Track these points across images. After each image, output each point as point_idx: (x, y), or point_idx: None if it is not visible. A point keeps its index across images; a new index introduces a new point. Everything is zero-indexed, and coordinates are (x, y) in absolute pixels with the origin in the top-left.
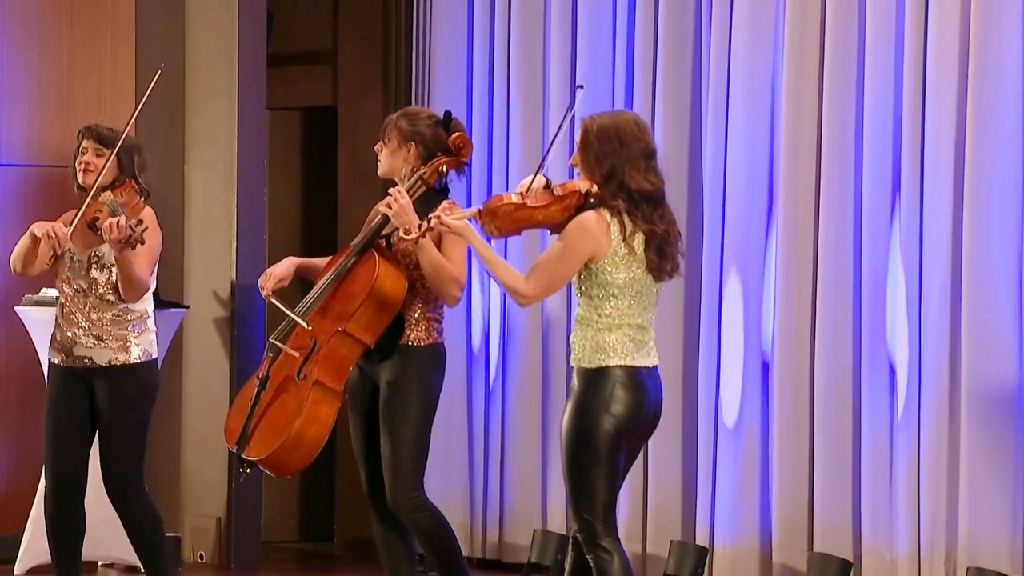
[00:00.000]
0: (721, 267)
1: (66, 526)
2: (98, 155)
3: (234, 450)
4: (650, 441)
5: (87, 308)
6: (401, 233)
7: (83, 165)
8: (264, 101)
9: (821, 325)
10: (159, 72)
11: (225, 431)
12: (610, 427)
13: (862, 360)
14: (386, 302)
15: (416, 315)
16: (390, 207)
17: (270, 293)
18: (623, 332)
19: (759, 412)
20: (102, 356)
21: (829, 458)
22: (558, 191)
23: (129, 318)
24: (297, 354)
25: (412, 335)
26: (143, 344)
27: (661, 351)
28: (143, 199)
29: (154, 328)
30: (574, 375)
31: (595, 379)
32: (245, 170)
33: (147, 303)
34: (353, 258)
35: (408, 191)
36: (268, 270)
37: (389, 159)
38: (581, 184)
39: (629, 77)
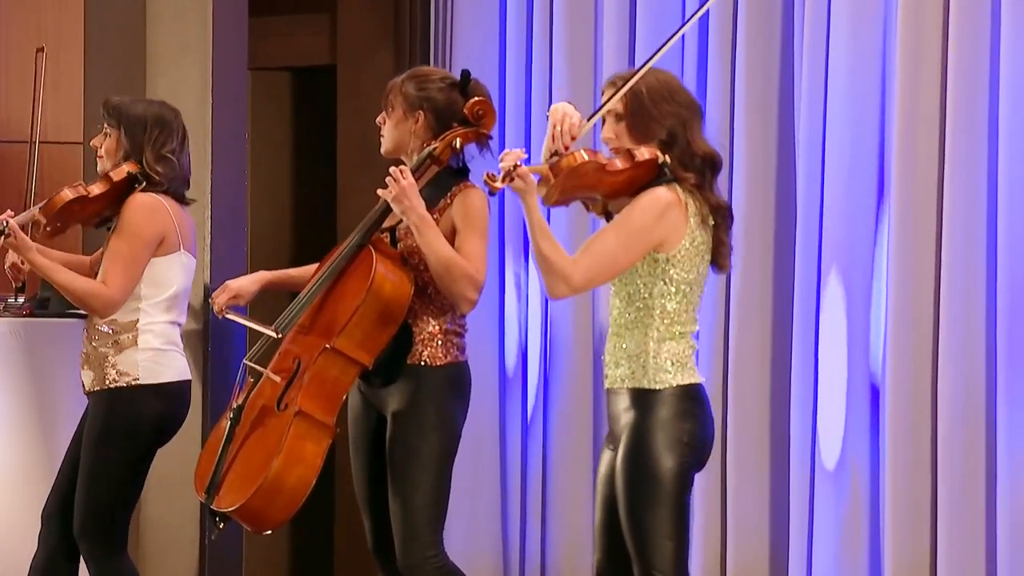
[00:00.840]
0: (819, 268)
1: (39, 566)
2: (105, 134)
3: (203, 500)
4: (729, 485)
5: (87, 323)
6: (407, 221)
7: (95, 151)
8: (245, 59)
9: (946, 340)
10: (40, 53)
11: (195, 476)
12: (679, 462)
13: (999, 385)
14: (386, 311)
15: (429, 327)
16: (390, 189)
17: (222, 309)
18: (686, 342)
19: (867, 450)
20: (86, 380)
21: (956, 508)
22: (639, 155)
23: (107, 331)
24: (278, 378)
25: (425, 353)
26: (124, 366)
27: (742, 371)
28: (143, 183)
29: (157, 345)
30: (617, 399)
31: (656, 403)
32: (221, 147)
33: (141, 314)
34: (346, 257)
35: (415, 171)
36: (227, 281)
37: (393, 132)
38: (652, 151)
39: (703, 36)
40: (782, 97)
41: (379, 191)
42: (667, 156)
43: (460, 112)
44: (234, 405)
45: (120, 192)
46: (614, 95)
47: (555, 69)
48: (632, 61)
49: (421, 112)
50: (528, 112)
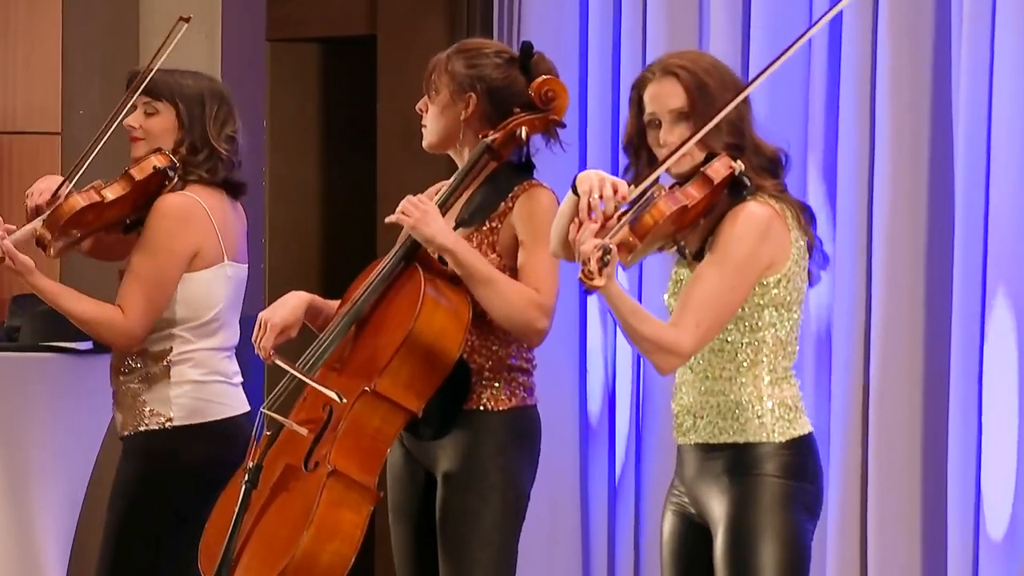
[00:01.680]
0: (983, 292)
1: None
2: (149, 113)
3: None
4: (871, 558)
5: (112, 352)
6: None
7: (129, 132)
8: (262, 28)
9: None
10: (181, 23)
11: (200, 553)
12: (799, 532)
13: None
14: (439, 344)
15: (490, 364)
16: (407, 214)
17: (271, 354)
18: (792, 380)
19: None
20: (117, 421)
21: None
22: (715, 174)
23: (136, 364)
24: (304, 431)
25: (484, 395)
26: (156, 405)
27: (888, 418)
28: (175, 179)
29: (196, 377)
30: (703, 460)
31: (763, 460)
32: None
33: (175, 342)
34: (386, 278)
35: (466, 174)
36: (264, 316)
37: (439, 120)
38: (725, 164)
39: (835, 22)
40: (936, 93)
41: (391, 218)
42: (740, 162)
43: (523, 94)
44: (250, 464)
45: (147, 191)
46: (696, 131)
47: (649, 43)
48: (746, 33)
49: (473, 95)
50: (615, 96)
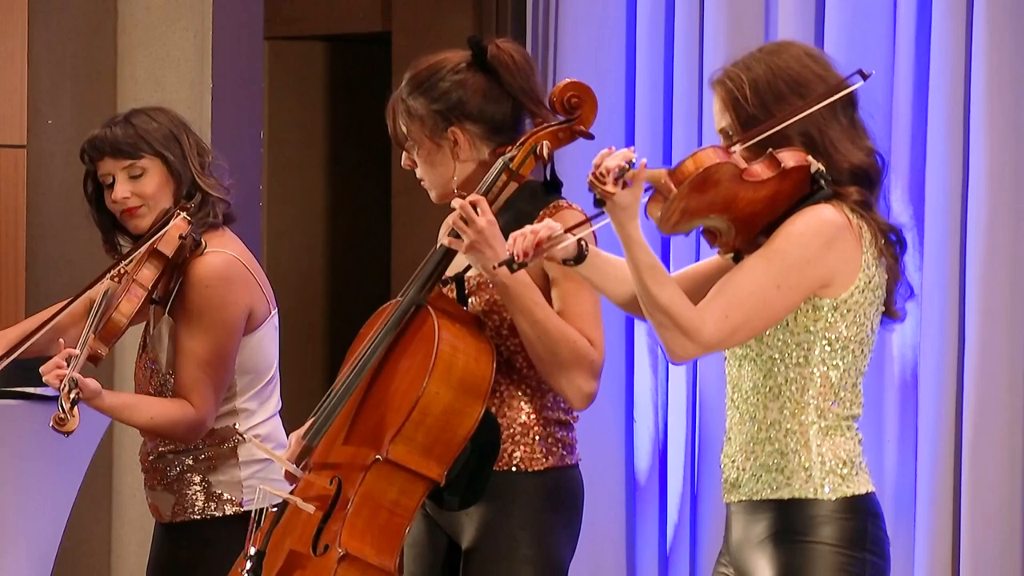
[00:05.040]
0: None
1: None
2: (134, 176)
3: None
4: None
5: None
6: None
7: (123, 206)
8: (260, 24)
9: None
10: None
11: None
12: None
13: None
14: (459, 399)
15: (522, 417)
16: (461, 231)
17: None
18: (853, 431)
19: None
20: (162, 507)
21: None
22: (785, 160)
23: (198, 446)
24: (311, 508)
25: (516, 454)
26: (223, 488)
27: (984, 473)
28: (194, 237)
29: (264, 455)
30: (748, 519)
31: (814, 522)
32: (224, 150)
33: (241, 418)
34: (395, 324)
35: (485, 197)
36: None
37: (433, 173)
38: (798, 156)
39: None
40: None
41: (444, 240)
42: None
43: (509, 100)
44: (251, 551)
45: (176, 264)
46: (750, 131)
47: (707, 36)
48: (821, 24)
49: (454, 127)
50: (668, 100)
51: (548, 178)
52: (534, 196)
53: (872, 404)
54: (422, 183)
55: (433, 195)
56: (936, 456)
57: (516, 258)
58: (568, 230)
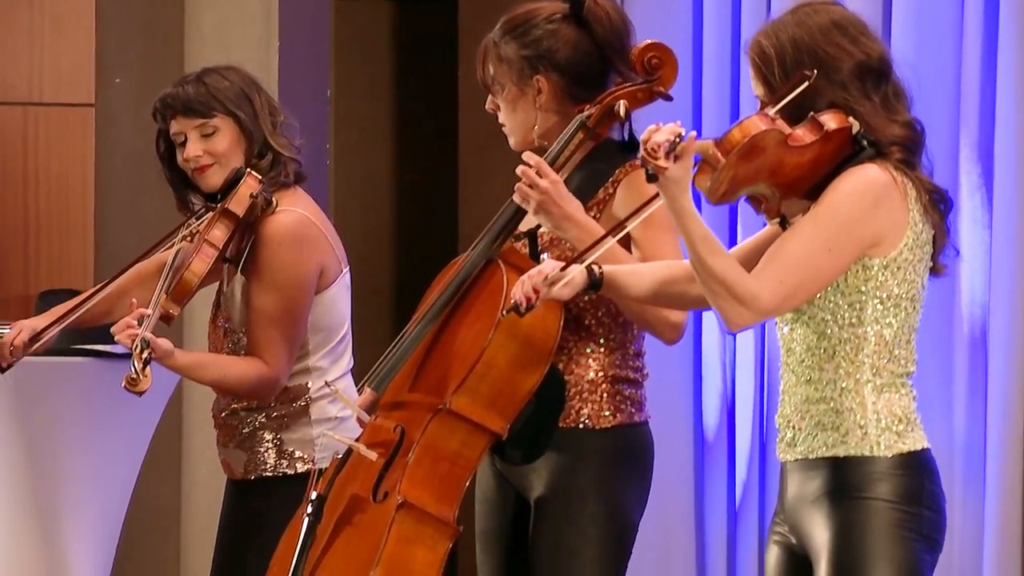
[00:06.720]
0: None
1: None
2: (206, 135)
3: None
4: None
5: None
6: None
7: (195, 164)
8: None
9: None
10: None
11: None
12: (928, 566)
13: None
14: (525, 353)
15: (590, 374)
16: (526, 196)
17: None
18: (907, 388)
19: None
20: (234, 463)
21: None
22: (827, 123)
23: (270, 404)
24: (374, 455)
25: (584, 411)
26: (296, 447)
27: None
28: (265, 196)
29: (335, 413)
30: (804, 477)
31: (871, 479)
32: (290, 110)
33: (313, 376)
34: (463, 278)
35: (558, 156)
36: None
37: (514, 118)
38: (839, 118)
39: None
40: None
41: (515, 197)
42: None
43: (597, 51)
44: (313, 495)
45: (247, 223)
46: (780, 93)
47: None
48: None
49: (539, 77)
50: (735, 58)
51: (625, 138)
52: (610, 155)
53: (941, 363)
54: (503, 128)
55: (512, 141)
56: (1006, 414)
57: (520, 304)
58: (566, 267)
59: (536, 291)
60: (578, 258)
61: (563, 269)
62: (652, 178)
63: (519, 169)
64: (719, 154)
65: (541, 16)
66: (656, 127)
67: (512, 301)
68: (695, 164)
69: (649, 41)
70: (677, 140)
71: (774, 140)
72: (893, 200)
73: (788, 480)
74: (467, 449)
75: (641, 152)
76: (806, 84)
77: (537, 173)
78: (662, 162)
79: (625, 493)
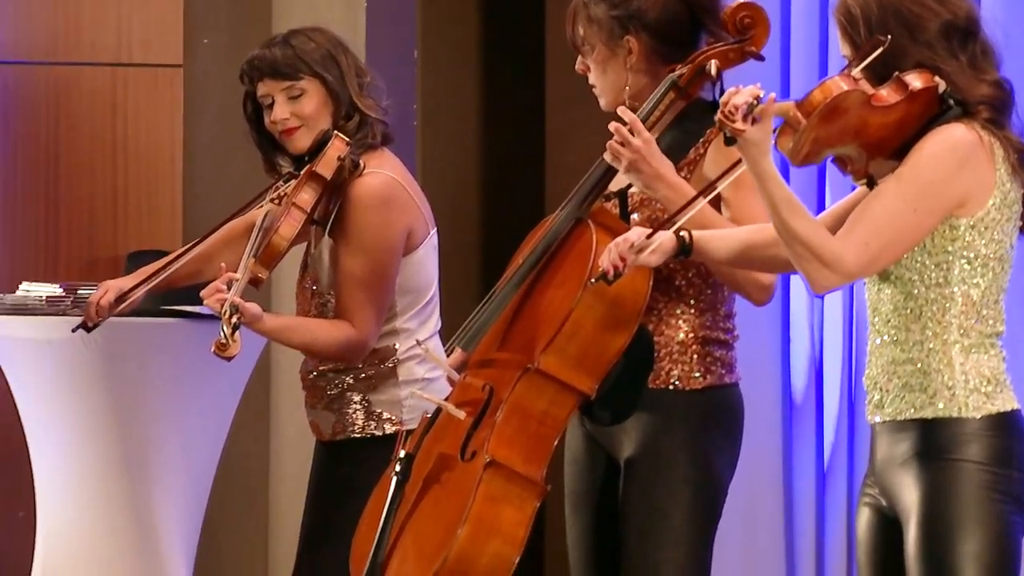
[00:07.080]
0: None
1: None
2: (293, 97)
3: None
4: None
5: None
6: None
7: (282, 127)
8: None
9: None
10: None
11: (352, 553)
12: (1019, 527)
13: None
14: (614, 313)
15: (680, 336)
16: (617, 154)
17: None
18: (996, 349)
19: None
20: (323, 425)
21: None
22: (912, 83)
23: (359, 365)
24: (462, 414)
25: (674, 372)
26: (384, 408)
27: None
28: (352, 158)
29: (423, 374)
30: (894, 439)
31: (961, 441)
32: (377, 72)
33: (401, 338)
34: (552, 237)
35: (648, 116)
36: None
37: (605, 79)
38: (925, 77)
39: None
40: None
41: (606, 156)
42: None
43: (689, 16)
44: (401, 453)
45: (335, 185)
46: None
47: None
48: None
49: (630, 37)
50: (824, 26)
51: (716, 98)
52: (701, 115)
53: None
54: (594, 89)
55: (603, 102)
56: None
57: (608, 273)
58: (652, 232)
59: (623, 259)
60: (666, 223)
61: (649, 236)
62: (730, 141)
63: (612, 126)
64: (800, 116)
65: None
66: (736, 89)
67: (600, 269)
68: (778, 127)
69: (741, 0)
70: (755, 102)
71: (857, 101)
72: (979, 160)
73: (878, 442)
74: (555, 408)
75: (719, 114)
76: (882, 48)
77: (630, 131)
78: (739, 124)
79: (715, 455)
